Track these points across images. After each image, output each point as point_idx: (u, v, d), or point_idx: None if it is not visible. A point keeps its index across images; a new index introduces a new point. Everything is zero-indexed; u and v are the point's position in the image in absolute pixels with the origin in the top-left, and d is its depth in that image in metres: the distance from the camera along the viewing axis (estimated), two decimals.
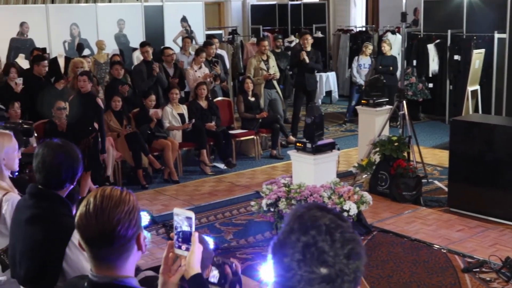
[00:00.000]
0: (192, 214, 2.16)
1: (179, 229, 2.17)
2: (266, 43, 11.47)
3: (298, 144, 6.99)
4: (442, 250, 6.51)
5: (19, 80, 9.00)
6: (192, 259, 2.17)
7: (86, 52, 12.06)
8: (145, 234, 2.49)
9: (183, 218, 2.17)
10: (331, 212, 1.55)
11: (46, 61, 9.62)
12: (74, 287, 2.31)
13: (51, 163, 3.16)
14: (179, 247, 2.17)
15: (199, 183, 9.25)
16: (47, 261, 3.12)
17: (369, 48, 13.12)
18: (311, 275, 1.45)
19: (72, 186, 3.31)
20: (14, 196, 3.76)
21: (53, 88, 9.37)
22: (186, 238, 2.18)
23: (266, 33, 16.75)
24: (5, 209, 3.74)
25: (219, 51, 12.10)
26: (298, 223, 1.52)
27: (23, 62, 10.70)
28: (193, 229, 2.15)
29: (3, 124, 5.56)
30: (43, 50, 11.20)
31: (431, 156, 10.26)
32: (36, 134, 8.42)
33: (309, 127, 6.97)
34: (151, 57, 10.49)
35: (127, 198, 2.13)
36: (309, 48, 11.38)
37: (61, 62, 10.85)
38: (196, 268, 2.18)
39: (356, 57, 13.39)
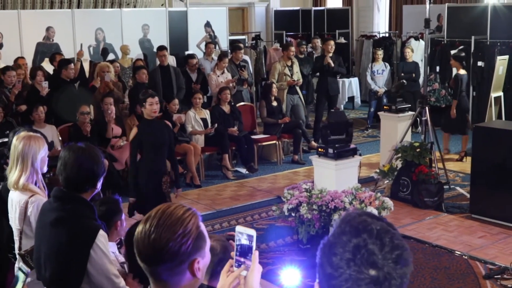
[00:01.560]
0: (254, 233, 2.09)
1: (239, 247, 2.11)
2: (293, 48, 11.53)
3: (320, 149, 7.01)
4: (464, 256, 6.50)
5: (45, 84, 9.13)
6: (251, 278, 2.09)
7: (111, 56, 12.17)
8: None
9: (245, 236, 2.11)
10: (381, 220, 1.58)
11: (72, 64, 9.73)
12: None
13: (71, 166, 3.22)
14: (238, 266, 2.11)
15: (221, 187, 9.31)
16: (72, 263, 3.16)
17: (379, 53, 13.13)
18: (360, 275, 1.48)
19: (96, 190, 3.36)
20: (40, 199, 3.83)
21: (79, 92, 9.47)
22: (245, 254, 2.12)
23: (289, 39, 16.78)
24: (30, 211, 3.82)
25: (243, 57, 12.17)
26: (349, 226, 1.55)
27: (48, 66, 10.85)
28: (254, 247, 2.09)
29: (28, 127, 5.66)
30: (80, 46, 11.43)
31: (453, 163, 10.22)
32: (60, 138, 8.57)
33: (322, 130, 7.02)
34: (167, 62, 10.57)
35: (188, 219, 2.05)
36: (331, 54, 11.44)
37: (86, 66, 10.98)
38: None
39: (370, 64, 13.42)
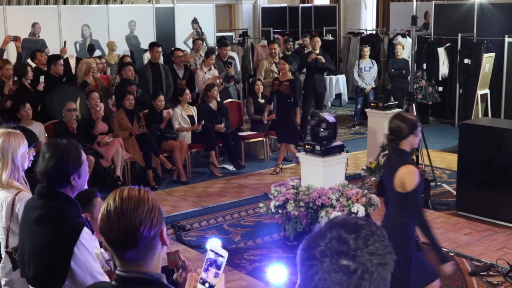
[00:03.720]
0: (226, 254, 2.12)
1: (208, 264, 2.13)
2: (275, 45, 11.51)
3: (307, 146, 7.01)
4: (450, 253, 6.52)
5: (42, 78, 9.08)
6: None
7: (97, 53, 12.10)
8: None
9: (216, 255, 2.12)
10: (365, 220, 1.57)
11: (61, 60, 9.68)
12: None
13: (46, 160, 3.19)
14: (203, 283, 2.13)
15: (208, 184, 9.29)
16: (55, 260, 3.13)
17: (366, 51, 13.18)
18: (331, 265, 1.47)
19: (78, 187, 3.30)
20: (26, 195, 3.80)
21: (67, 88, 9.41)
22: (211, 272, 2.13)
23: (276, 36, 16.77)
24: (18, 208, 3.78)
25: (230, 53, 12.13)
26: (329, 224, 1.56)
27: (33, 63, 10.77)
28: (223, 269, 2.12)
29: (13, 123, 5.60)
30: (64, 43, 11.29)
31: (440, 160, 10.25)
32: (46, 134, 8.52)
33: (312, 126, 7.06)
34: (159, 59, 10.55)
35: (146, 196, 2.13)
36: (318, 51, 11.44)
37: (72, 62, 10.91)
38: None
39: (357, 61, 13.47)
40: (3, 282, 3.86)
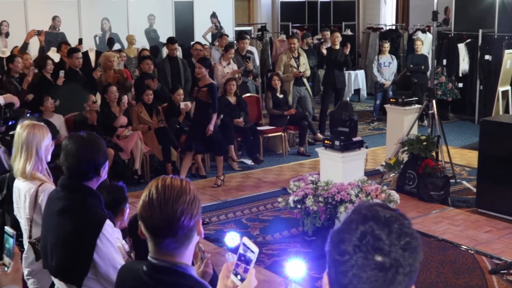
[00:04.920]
0: (257, 250, 2.14)
1: (241, 258, 2.16)
2: (294, 40, 11.48)
3: (326, 141, 6.98)
4: (470, 251, 6.48)
5: (62, 73, 9.11)
6: None
7: (116, 46, 12.15)
8: None
9: (248, 250, 2.16)
10: (393, 210, 1.56)
11: (80, 53, 9.68)
12: (131, 271, 2.33)
13: (72, 156, 3.19)
14: (236, 274, 2.17)
15: (226, 178, 9.28)
16: (78, 252, 3.14)
17: (386, 46, 13.11)
18: (365, 261, 1.46)
19: (102, 178, 3.33)
20: (49, 187, 3.82)
21: (88, 81, 9.45)
22: (243, 265, 2.18)
23: (295, 30, 16.73)
24: (41, 199, 3.80)
25: (249, 48, 12.13)
26: (358, 214, 1.54)
27: (54, 55, 10.83)
28: (253, 264, 2.14)
29: (37, 116, 5.64)
30: (80, 41, 11.27)
31: (460, 156, 10.18)
32: (66, 127, 8.57)
33: (332, 119, 7.02)
34: (176, 54, 10.57)
35: (187, 187, 2.17)
36: (338, 46, 11.43)
37: (92, 56, 10.96)
38: None
39: (377, 56, 13.40)
40: (25, 272, 3.88)
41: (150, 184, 2.18)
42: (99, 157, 3.23)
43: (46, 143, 3.99)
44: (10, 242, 2.64)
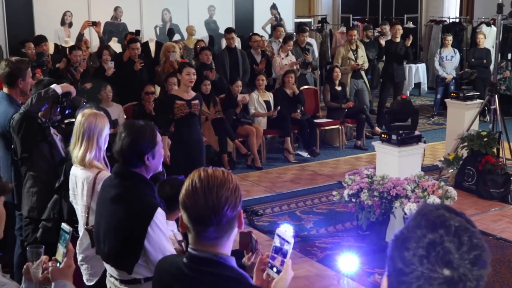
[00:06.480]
0: (292, 240, 2.15)
1: (277, 250, 2.17)
2: (354, 32, 11.37)
3: (383, 135, 6.90)
4: None
5: (111, 64, 9.25)
6: (280, 284, 2.21)
7: (177, 37, 12.26)
8: None
9: (283, 241, 2.16)
10: (460, 215, 1.49)
11: (138, 43, 9.78)
12: (171, 263, 2.33)
13: (122, 140, 3.26)
14: (271, 267, 2.17)
15: (282, 170, 9.28)
16: (129, 239, 3.19)
17: (448, 39, 12.82)
18: (433, 274, 1.40)
19: (153, 168, 3.34)
20: (106, 175, 3.88)
21: (147, 71, 9.56)
22: (278, 257, 2.18)
23: (356, 23, 16.56)
24: (99, 187, 3.88)
25: (308, 40, 12.07)
26: (425, 219, 1.47)
27: (115, 45, 11.01)
28: (289, 255, 2.14)
29: (95, 105, 5.74)
30: (137, 32, 11.40)
31: None
32: (125, 116, 8.70)
33: (386, 115, 6.90)
34: (235, 44, 10.58)
35: (229, 177, 2.17)
36: (398, 39, 11.28)
37: (152, 46, 11.09)
38: None
39: (439, 50, 13.11)
40: (79, 258, 3.97)
41: (191, 175, 2.18)
42: (141, 144, 3.25)
43: (106, 132, 4.07)
44: (65, 238, 2.70)
